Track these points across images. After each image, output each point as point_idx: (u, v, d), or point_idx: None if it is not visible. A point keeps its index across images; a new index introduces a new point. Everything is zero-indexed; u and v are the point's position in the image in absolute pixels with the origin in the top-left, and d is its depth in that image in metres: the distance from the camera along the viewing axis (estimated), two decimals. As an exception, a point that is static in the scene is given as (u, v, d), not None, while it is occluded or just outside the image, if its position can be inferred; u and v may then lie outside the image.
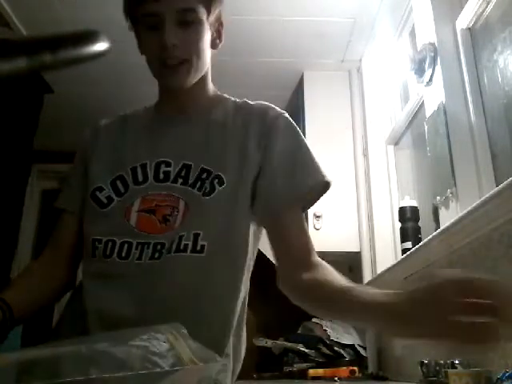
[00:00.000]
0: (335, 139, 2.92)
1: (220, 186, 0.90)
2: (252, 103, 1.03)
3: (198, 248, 0.86)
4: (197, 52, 0.92)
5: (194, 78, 0.95)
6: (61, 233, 1.00)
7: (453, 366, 1.33)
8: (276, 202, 0.92)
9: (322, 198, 0.95)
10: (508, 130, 1.56)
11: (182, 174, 0.92)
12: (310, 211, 2.74)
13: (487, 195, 1.26)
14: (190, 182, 0.91)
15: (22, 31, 2.64)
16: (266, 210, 0.92)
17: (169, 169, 0.93)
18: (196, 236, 0.87)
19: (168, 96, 1.01)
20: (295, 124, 1.01)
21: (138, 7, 0.90)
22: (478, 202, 1.30)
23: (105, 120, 1.08)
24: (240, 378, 0.99)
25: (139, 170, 0.94)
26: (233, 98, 1.05)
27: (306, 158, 0.95)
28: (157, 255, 0.87)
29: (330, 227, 2.71)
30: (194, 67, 0.93)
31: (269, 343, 2.42)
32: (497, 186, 1.23)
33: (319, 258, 0.94)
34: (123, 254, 0.88)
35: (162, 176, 0.93)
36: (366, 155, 2.80)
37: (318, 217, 2.72)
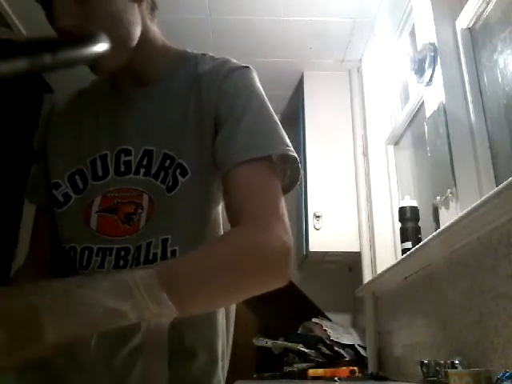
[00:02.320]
0: (335, 139, 2.92)
1: (183, 177, 0.76)
2: (210, 60, 0.84)
3: (169, 255, 0.75)
4: (110, 25, 0.70)
5: (120, 54, 0.75)
6: (36, 233, 0.89)
7: (453, 365, 1.33)
8: (226, 162, 0.74)
9: (295, 171, 0.78)
10: (508, 130, 1.56)
11: (144, 162, 0.79)
12: (310, 211, 2.74)
13: (487, 195, 1.26)
14: (153, 171, 0.78)
15: (22, 31, 2.64)
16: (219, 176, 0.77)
17: (129, 158, 0.79)
18: (164, 242, 0.75)
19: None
20: (254, 80, 0.82)
21: None
22: (478, 202, 1.29)
23: (60, 99, 0.92)
24: (240, 378, 0.98)
25: (99, 163, 0.81)
26: (195, 54, 0.86)
27: (247, 123, 0.75)
28: (122, 263, 0.76)
29: (330, 227, 2.71)
30: (113, 44, 0.65)
31: (269, 343, 2.42)
32: (497, 186, 1.23)
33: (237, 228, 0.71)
34: (84, 263, 0.77)
35: (122, 168, 0.79)
36: (366, 155, 2.80)
37: (317, 217, 2.72)
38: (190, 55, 0.86)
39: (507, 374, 1.03)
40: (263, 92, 0.82)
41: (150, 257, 0.75)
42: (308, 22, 2.65)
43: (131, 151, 0.80)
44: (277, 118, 0.79)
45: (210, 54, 0.86)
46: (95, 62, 0.72)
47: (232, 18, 2.59)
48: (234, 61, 0.84)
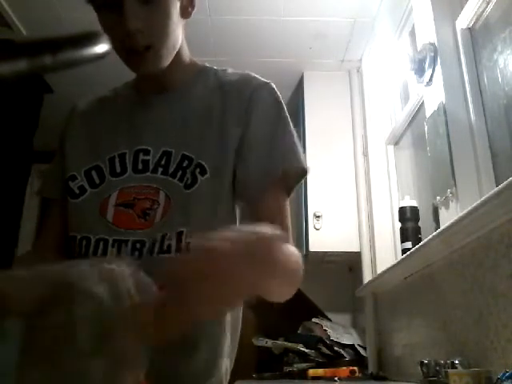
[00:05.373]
0: (335, 139, 2.92)
1: (202, 175, 0.82)
2: (233, 73, 0.92)
3: (183, 247, 0.80)
4: (165, 34, 0.80)
5: (166, 61, 0.84)
6: (48, 222, 0.94)
7: (453, 365, 1.33)
8: (249, 186, 0.83)
9: (299, 183, 0.87)
10: (508, 130, 1.57)
11: (162, 162, 0.84)
12: (310, 211, 2.74)
13: (487, 195, 1.26)
14: (171, 171, 0.83)
15: (22, 31, 2.65)
16: (241, 195, 0.85)
17: (147, 157, 0.85)
18: (179, 235, 0.80)
19: (143, 75, 0.90)
20: (280, 97, 0.90)
21: None
22: (478, 202, 1.30)
23: (82, 101, 0.98)
24: (240, 378, 0.99)
25: (117, 161, 0.86)
26: (212, 68, 0.94)
27: (284, 139, 0.85)
28: (136, 254, 0.80)
29: (330, 227, 2.71)
30: (164, 51, 0.81)
31: (269, 343, 2.42)
32: (497, 186, 1.23)
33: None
34: (99, 254, 0.81)
35: (140, 166, 0.85)
36: (366, 155, 2.80)
37: (317, 217, 2.72)
38: (210, 68, 0.94)
39: (507, 374, 1.04)
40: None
41: (165, 247, 0.80)
42: (308, 22, 2.65)
43: (150, 151, 0.85)
44: (295, 131, 0.88)
45: (230, 69, 0.95)
46: (141, 65, 0.81)
47: (232, 18, 2.59)
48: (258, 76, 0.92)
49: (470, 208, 1.33)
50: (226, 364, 0.85)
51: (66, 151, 0.92)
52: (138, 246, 0.80)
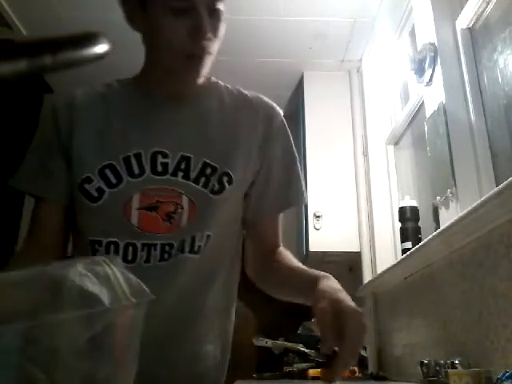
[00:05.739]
0: (335, 139, 2.92)
1: (229, 184, 0.88)
2: (248, 95, 0.97)
3: (208, 250, 0.87)
4: (218, 45, 0.86)
5: (205, 72, 0.88)
6: (43, 220, 0.90)
7: (453, 365, 1.33)
8: (264, 211, 0.94)
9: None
10: (508, 130, 1.57)
11: (182, 166, 0.86)
12: (310, 211, 2.74)
13: (487, 195, 1.26)
14: (193, 176, 0.86)
15: (22, 31, 2.65)
16: (253, 214, 0.94)
17: (166, 160, 0.86)
18: (208, 237, 0.86)
19: (163, 79, 0.90)
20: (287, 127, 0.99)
21: None
22: (478, 202, 1.30)
23: (79, 93, 0.93)
24: (240, 378, 0.99)
25: (133, 161, 0.86)
26: (223, 84, 0.98)
27: (297, 174, 0.97)
28: (166, 256, 0.84)
29: (330, 227, 2.71)
30: (212, 60, 0.86)
31: (269, 343, 2.42)
32: (497, 186, 1.23)
33: (282, 248, 0.97)
34: (129, 258, 0.83)
35: (160, 168, 0.86)
36: (366, 155, 2.80)
37: (317, 217, 2.72)
38: (221, 84, 0.98)
39: (507, 374, 1.03)
40: None
41: (195, 248, 0.85)
42: (308, 22, 2.65)
43: (168, 154, 0.87)
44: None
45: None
46: (198, 71, 0.84)
47: (232, 18, 2.59)
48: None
49: (470, 208, 1.33)
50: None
51: (73, 149, 0.88)
52: (167, 248, 0.84)
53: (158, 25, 0.82)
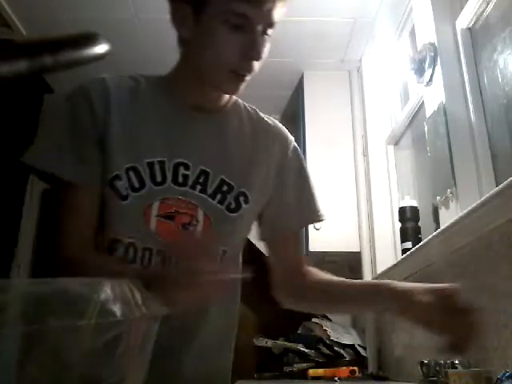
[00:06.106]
0: (335, 139, 2.92)
1: (245, 203, 0.90)
2: (266, 120, 1.00)
3: (222, 263, 0.89)
4: (261, 65, 0.86)
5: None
6: (86, 213, 0.85)
7: (453, 365, 1.33)
8: (282, 230, 0.99)
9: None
10: (508, 130, 1.57)
11: (200, 180, 0.88)
12: (310, 211, 2.74)
13: (487, 195, 1.26)
14: (209, 191, 0.88)
15: (22, 31, 2.65)
16: (272, 234, 0.99)
17: (187, 172, 0.87)
18: (224, 252, 0.89)
19: (196, 88, 0.89)
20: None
21: (231, 2, 0.79)
22: (478, 202, 1.30)
23: (111, 83, 0.88)
24: (240, 377, 0.99)
25: (157, 168, 0.85)
26: (241, 102, 0.99)
27: (311, 193, 1.03)
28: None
29: (330, 227, 2.71)
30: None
31: (269, 343, 2.43)
32: (497, 186, 1.24)
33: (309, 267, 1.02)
34: (145, 262, 0.84)
35: (180, 179, 0.86)
36: (366, 155, 2.80)
37: (318, 217, 2.72)
38: (240, 101, 0.99)
39: (507, 374, 1.03)
40: None
41: None
42: (308, 22, 2.65)
43: (189, 166, 0.88)
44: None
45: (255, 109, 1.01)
46: (238, 87, 0.86)
47: (232, 18, 2.58)
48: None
49: (470, 208, 1.33)
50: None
51: (107, 143, 0.84)
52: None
53: (212, 35, 0.81)
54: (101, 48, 0.40)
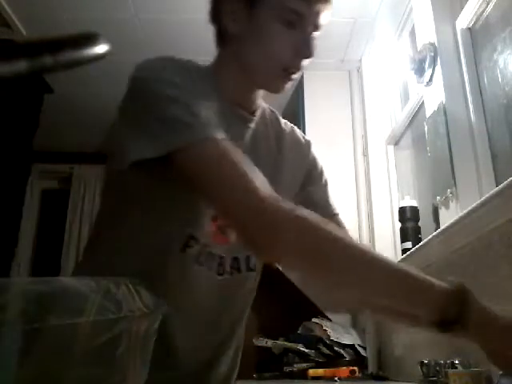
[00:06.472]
0: (335, 139, 2.92)
1: None
2: (285, 123, 1.00)
3: (258, 267, 0.92)
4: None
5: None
6: None
7: (453, 365, 1.33)
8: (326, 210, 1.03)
9: None
10: (508, 130, 1.57)
11: None
12: (310, 211, 2.74)
13: (487, 195, 1.26)
14: None
15: (22, 31, 2.65)
16: None
17: None
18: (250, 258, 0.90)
19: (240, 83, 0.87)
20: None
21: (296, 0, 0.79)
22: (478, 202, 1.30)
23: (194, 66, 0.85)
24: (240, 377, 0.99)
25: None
26: (265, 105, 0.97)
27: (330, 195, 1.07)
28: (221, 270, 0.85)
29: (330, 227, 2.71)
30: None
31: (269, 343, 2.42)
32: (497, 186, 1.24)
33: None
34: (214, 268, 0.85)
35: None
36: (366, 155, 2.80)
37: (318, 217, 2.72)
38: (263, 103, 0.96)
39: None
40: None
41: (251, 265, 0.90)
42: (308, 22, 2.65)
43: None
44: None
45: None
46: (286, 84, 0.85)
47: (232, 18, 2.58)
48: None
49: (470, 208, 1.33)
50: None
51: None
52: (222, 261, 0.85)
53: (267, 31, 0.81)
54: (101, 48, 0.40)
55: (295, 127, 1.03)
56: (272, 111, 0.99)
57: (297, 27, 0.80)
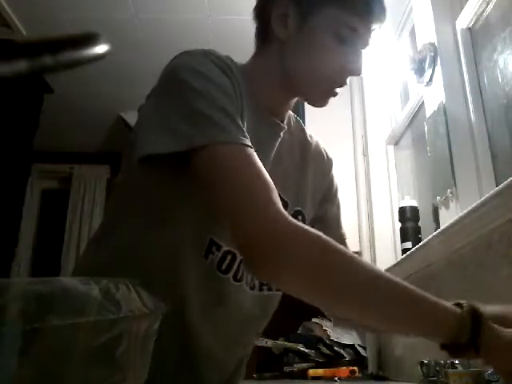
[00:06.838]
0: (335, 139, 2.91)
1: (303, 223, 0.84)
2: (315, 140, 1.03)
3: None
4: None
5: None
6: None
7: (453, 365, 1.33)
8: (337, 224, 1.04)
9: None
10: (508, 130, 1.57)
11: None
12: (310, 211, 2.74)
13: (487, 195, 1.26)
14: None
15: (22, 31, 2.65)
16: None
17: None
18: None
19: (274, 92, 0.84)
20: None
21: (344, 14, 0.77)
22: (478, 202, 1.30)
23: (231, 63, 0.78)
24: (240, 378, 1.00)
25: None
26: (291, 113, 0.95)
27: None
28: (259, 287, 0.84)
29: (330, 227, 2.71)
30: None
31: (269, 343, 2.42)
32: (497, 186, 1.23)
33: None
34: (238, 276, 0.80)
35: None
36: (365, 155, 2.80)
37: (318, 217, 2.72)
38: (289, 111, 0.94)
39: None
40: None
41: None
42: (308, 22, 2.65)
43: None
44: None
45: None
46: (318, 102, 0.84)
47: (232, 18, 2.59)
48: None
49: (470, 208, 1.33)
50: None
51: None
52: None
53: (319, 43, 0.79)
54: (101, 48, 0.40)
55: (320, 141, 1.04)
56: (297, 119, 0.97)
57: (348, 43, 0.79)
